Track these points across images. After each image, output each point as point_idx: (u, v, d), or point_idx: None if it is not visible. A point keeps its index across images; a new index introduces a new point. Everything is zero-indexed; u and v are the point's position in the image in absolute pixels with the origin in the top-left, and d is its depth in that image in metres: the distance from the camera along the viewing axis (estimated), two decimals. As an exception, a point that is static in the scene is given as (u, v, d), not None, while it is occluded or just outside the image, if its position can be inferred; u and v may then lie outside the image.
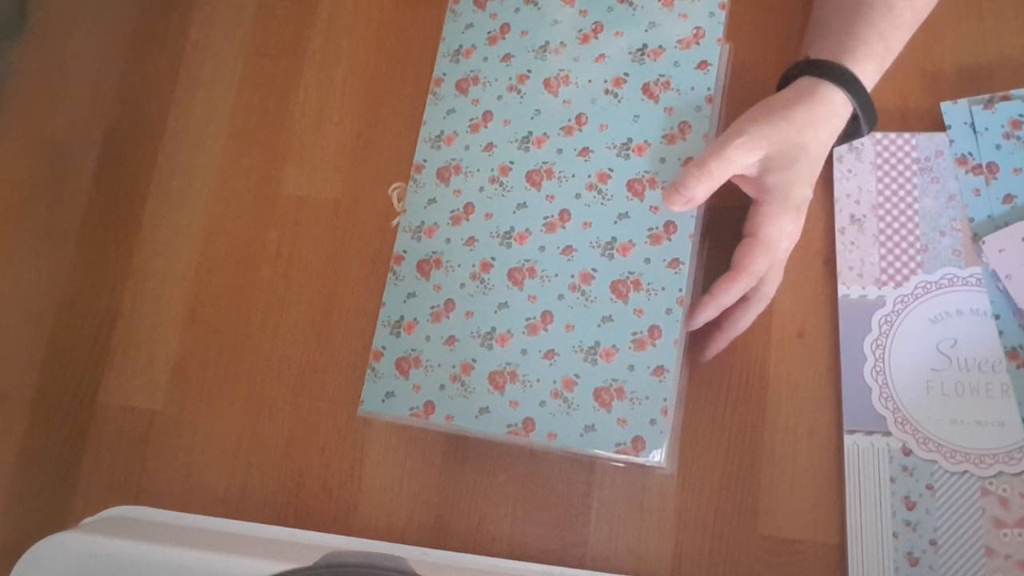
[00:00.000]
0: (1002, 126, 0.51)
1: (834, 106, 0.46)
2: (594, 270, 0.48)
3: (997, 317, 0.48)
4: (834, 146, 0.49)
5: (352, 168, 0.59)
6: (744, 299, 0.47)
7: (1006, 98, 0.51)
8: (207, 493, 0.54)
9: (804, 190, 0.46)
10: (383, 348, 0.50)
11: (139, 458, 0.56)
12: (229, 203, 0.60)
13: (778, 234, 0.46)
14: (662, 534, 0.49)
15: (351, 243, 0.57)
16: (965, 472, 0.46)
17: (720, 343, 0.49)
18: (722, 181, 0.46)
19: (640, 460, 0.44)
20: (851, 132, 0.48)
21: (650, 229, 0.47)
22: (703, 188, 0.45)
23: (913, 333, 0.49)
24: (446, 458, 0.52)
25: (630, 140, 0.49)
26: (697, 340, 0.49)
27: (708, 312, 0.46)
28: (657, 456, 0.44)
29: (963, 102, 0.52)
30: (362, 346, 0.55)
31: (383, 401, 0.49)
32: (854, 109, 0.46)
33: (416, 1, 0.61)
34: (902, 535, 0.46)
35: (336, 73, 0.61)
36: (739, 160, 0.45)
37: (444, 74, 0.55)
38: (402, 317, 0.50)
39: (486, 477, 0.52)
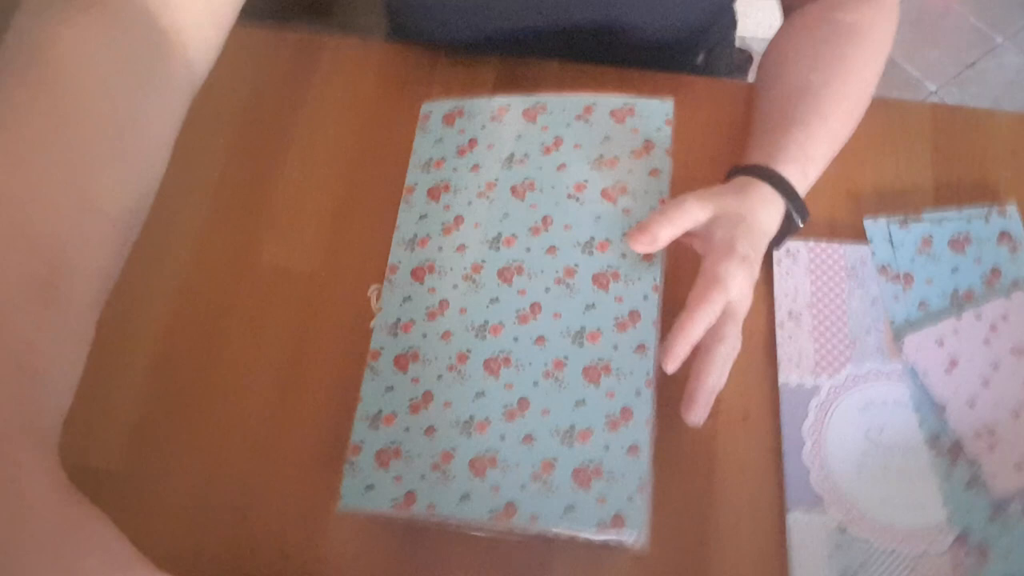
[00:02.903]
0: (915, 243, 0.56)
1: (763, 194, 0.51)
2: (566, 357, 0.49)
3: (917, 409, 0.52)
4: (775, 241, 0.54)
5: (330, 243, 0.60)
6: (706, 347, 0.48)
7: (918, 220, 0.57)
8: (158, 557, 0.52)
9: (747, 248, 0.49)
10: (362, 442, 0.49)
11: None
12: (204, 268, 0.60)
13: (726, 273, 0.48)
14: (617, 610, 0.50)
15: (324, 313, 0.57)
16: (894, 551, 0.48)
17: (701, 394, 0.48)
18: (680, 229, 0.50)
19: (622, 539, 0.44)
20: (789, 226, 0.53)
21: (616, 318, 0.49)
22: (665, 232, 0.49)
23: (845, 419, 0.52)
24: (405, 528, 0.51)
25: (593, 239, 0.52)
26: (686, 402, 0.49)
27: (680, 345, 0.47)
28: (637, 533, 0.44)
29: (882, 220, 0.57)
30: (328, 416, 0.54)
31: (363, 494, 0.48)
32: (784, 201, 0.52)
33: (399, 96, 0.64)
34: (841, 610, 0.48)
35: (319, 153, 0.64)
36: (693, 213, 0.50)
37: (416, 183, 0.56)
38: (380, 411, 0.50)
39: (445, 547, 0.50)
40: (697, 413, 0.49)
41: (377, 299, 0.55)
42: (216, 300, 0.59)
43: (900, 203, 0.58)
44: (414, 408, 0.50)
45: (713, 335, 0.49)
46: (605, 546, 0.49)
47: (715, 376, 0.49)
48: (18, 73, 0.41)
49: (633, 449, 0.46)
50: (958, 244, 0.56)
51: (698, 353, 0.49)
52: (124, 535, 0.36)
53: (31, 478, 0.34)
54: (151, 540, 0.52)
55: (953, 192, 0.59)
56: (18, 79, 0.41)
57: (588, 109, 0.56)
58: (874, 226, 0.58)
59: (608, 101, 0.56)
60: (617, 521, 0.45)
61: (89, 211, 0.40)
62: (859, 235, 0.58)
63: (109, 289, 0.42)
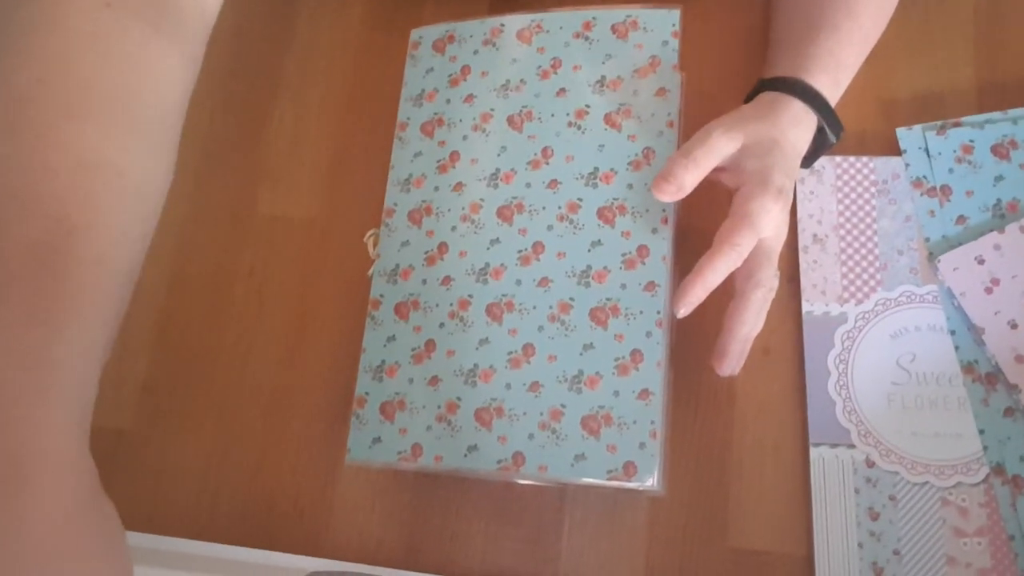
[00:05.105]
0: (954, 151, 0.51)
1: (795, 112, 0.46)
2: (572, 299, 0.46)
3: (953, 333, 0.48)
4: (809, 157, 0.48)
5: (328, 189, 0.57)
6: (740, 292, 0.45)
7: (957, 125, 0.51)
8: (175, 515, 0.51)
9: (782, 178, 0.45)
10: (366, 394, 0.48)
11: (105, 479, 0.54)
12: (202, 223, 0.58)
13: (759, 210, 0.44)
14: (633, 548, 0.47)
15: (326, 263, 0.55)
16: (926, 483, 0.46)
17: (734, 345, 0.45)
18: (707, 170, 0.45)
19: (633, 485, 0.42)
20: (821, 142, 0.48)
21: (624, 255, 0.46)
22: (691, 175, 0.44)
23: (874, 348, 0.48)
24: (418, 476, 0.50)
25: (597, 169, 0.48)
26: (717, 354, 0.46)
27: (696, 291, 0.44)
28: (650, 481, 0.42)
29: (917, 128, 0.52)
30: (336, 367, 0.52)
31: (370, 448, 0.47)
32: (816, 117, 0.47)
33: (390, 26, 0.60)
34: (867, 545, 0.45)
35: (312, 95, 0.60)
36: (721, 147, 0.45)
37: (408, 118, 0.53)
38: (383, 361, 0.48)
39: (459, 494, 0.49)
40: (730, 364, 0.45)
41: (374, 245, 0.52)
42: (216, 254, 0.57)
43: (938, 109, 0.52)
44: (417, 358, 0.48)
45: (747, 279, 0.45)
46: (621, 489, 0.48)
47: (749, 325, 0.45)
48: (9, 32, 0.38)
49: (644, 394, 0.44)
50: (1002, 150, 0.51)
51: (732, 299, 0.45)
52: (128, 559, 0.34)
53: (38, 502, 0.32)
54: (165, 499, 0.53)
55: (998, 93, 0.52)
56: (8, 38, 0.38)
57: (587, 25, 0.51)
58: (908, 135, 0.52)
59: (608, 15, 0.51)
60: (628, 469, 0.43)
61: (90, 166, 0.37)
62: (891, 147, 0.52)
63: (135, 243, 0.39)
